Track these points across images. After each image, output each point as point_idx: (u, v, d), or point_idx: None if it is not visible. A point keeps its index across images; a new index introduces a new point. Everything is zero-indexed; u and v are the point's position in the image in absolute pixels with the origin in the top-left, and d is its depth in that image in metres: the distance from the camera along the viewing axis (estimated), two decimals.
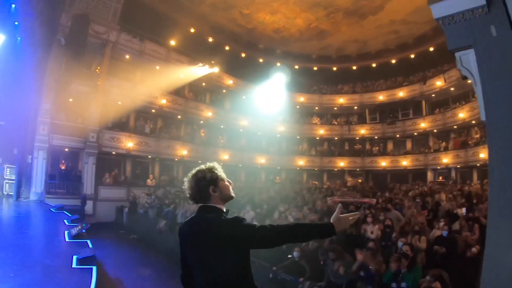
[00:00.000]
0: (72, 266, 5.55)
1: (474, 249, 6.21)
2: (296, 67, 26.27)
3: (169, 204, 13.62)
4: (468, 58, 3.38)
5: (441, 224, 7.23)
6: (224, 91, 23.98)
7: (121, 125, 18.69)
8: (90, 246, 6.94)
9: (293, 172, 26.32)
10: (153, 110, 19.94)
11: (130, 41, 18.23)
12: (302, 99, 27.00)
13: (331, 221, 1.97)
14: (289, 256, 7.28)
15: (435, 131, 23.10)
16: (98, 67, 17.34)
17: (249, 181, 23.07)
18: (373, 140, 26.64)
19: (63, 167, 16.37)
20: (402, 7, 19.52)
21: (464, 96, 20.99)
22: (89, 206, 15.47)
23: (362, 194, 15.49)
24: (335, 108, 27.83)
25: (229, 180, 2.13)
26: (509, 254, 2.87)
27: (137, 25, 18.51)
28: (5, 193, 14.26)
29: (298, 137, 27.25)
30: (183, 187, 2.11)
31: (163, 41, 19.89)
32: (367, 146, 26.88)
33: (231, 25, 22.53)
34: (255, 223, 2.07)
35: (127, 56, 18.50)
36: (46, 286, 4.69)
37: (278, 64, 25.02)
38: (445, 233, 6.88)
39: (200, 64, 20.75)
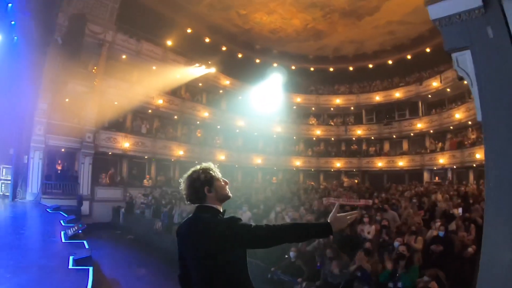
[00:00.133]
0: (69, 267, 5.51)
1: (470, 249, 6.24)
2: (293, 67, 26.32)
3: (166, 205, 13.57)
4: (464, 59, 3.40)
5: (438, 224, 7.27)
6: (220, 91, 23.93)
7: (117, 125, 18.62)
8: (87, 246, 6.89)
9: (290, 172, 26.29)
10: (150, 111, 19.87)
11: (127, 41, 18.19)
12: (298, 99, 27.06)
13: (328, 221, 1.97)
14: (287, 256, 7.28)
15: (431, 131, 23.21)
16: (95, 67, 17.30)
17: (245, 181, 23.09)
18: (370, 141, 26.73)
19: (59, 168, 16.28)
20: (398, 8, 19.59)
21: (460, 97, 21.15)
22: (85, 207, 15.40)
23: (359, 194, 15.48)
24: (332, 109, 27.93)
25: (225, 180, 2.12)
26: (505, 253, 2.89)
27: (134, 25, 18.49)
28: (1, 193, 14.19)
29: (294, 137, 27.26)
30: (179, 188, 2.12)
31: (160, 41, 19.84)
32: (364, 147, 26.97)
33: (228, 25, 22.53)
34: (251, 223, 2.07)
35: (124, 56, 18.44)
36: (42, 287, 4.67)
37: (275, 64, 25.02)
38: (441, 233, 6.90)
39: (197, 65, 20.75)
